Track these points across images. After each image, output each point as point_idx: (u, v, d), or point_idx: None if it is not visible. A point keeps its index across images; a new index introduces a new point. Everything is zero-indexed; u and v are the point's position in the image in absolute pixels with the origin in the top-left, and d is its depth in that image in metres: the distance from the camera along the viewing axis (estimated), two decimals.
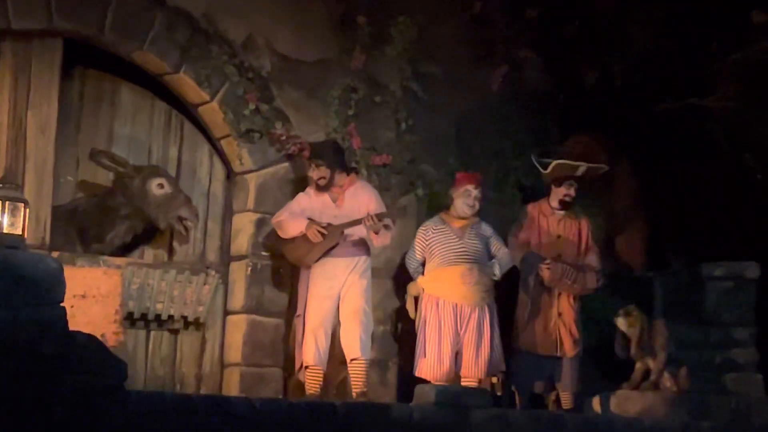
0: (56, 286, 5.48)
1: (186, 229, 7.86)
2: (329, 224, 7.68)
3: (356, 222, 7.68)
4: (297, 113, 8.28)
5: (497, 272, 8.08)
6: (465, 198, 8.07)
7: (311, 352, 7.59)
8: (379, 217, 7.66)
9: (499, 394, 8.71)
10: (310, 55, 8.38)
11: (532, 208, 8.62)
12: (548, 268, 8.29)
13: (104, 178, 7.97)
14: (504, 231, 8.58)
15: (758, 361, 9.26)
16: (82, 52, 7.86)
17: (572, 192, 8.52)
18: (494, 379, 8.68)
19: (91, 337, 5.58)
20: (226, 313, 8.15)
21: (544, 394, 8.58)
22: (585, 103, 9.75)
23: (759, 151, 10.21)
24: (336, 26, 8.48)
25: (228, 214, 8.29)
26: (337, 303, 7.69)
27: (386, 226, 7.72)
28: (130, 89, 8.16)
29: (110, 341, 6.99)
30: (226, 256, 8.23)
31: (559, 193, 8.53)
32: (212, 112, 8.03)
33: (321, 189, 7.81)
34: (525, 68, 9.38)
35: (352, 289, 7.68)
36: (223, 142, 8.17)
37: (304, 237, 7.67)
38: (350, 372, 7.66)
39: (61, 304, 5.52)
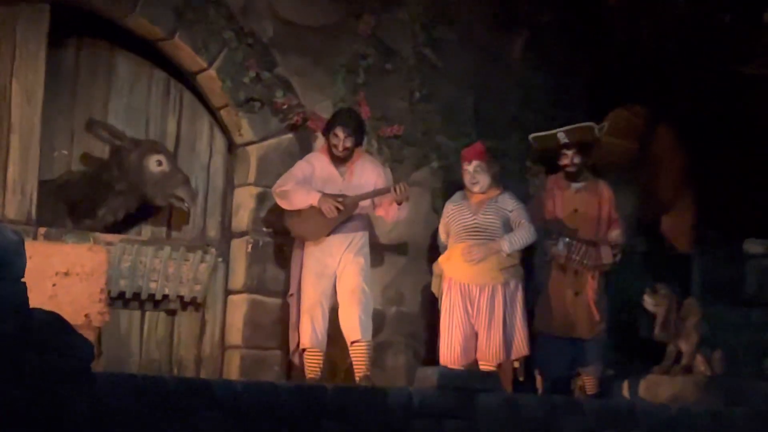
0: (15, 259, 5.14)
1: (185, 208, 7.53)
2: (344, 196, 7.28)
3: (379, 192, 7.30)
4: (302, 81, 7.90)
5: (506, 248, 7.49)
6: (464, 175, 7.66)
7: (308, 333, 7.22)
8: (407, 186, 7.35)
9: (521, 379, 8.32)
10: (316, 20, 7.98)
11: (549, 182, 8.17)
12: (554, 245, 7.84)
13: (101, 151, 7.65)
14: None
15: None
16: (75, 20, 7.55)
17: (569, 161, 7.99)
18: (516, 364, 8.31)
19: (53, 315, 5.27)
20: (228, 292, 7.80)
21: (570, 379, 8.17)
22: (616, 72, 9.27)
23: None
24: None
25: (230, 188, 7.94)
26: (333, 281, 7.32)
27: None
28: (128, 58, 7.83)
29: (95, 322, 6.67)
30: (228, 233, 7.88)
31: (561, 165, 8.06)
32: (210, 81, 7.68)
33: (335, 160, 7.40)
34: (549, 34, 8.87)
35: (349, 268, 7.29)
36: (222, 113, 7.81)
37: (312, 209, 7.25)
38: (352, 356, 7.28)
39: (22, 280, 5.18)
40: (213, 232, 7.87)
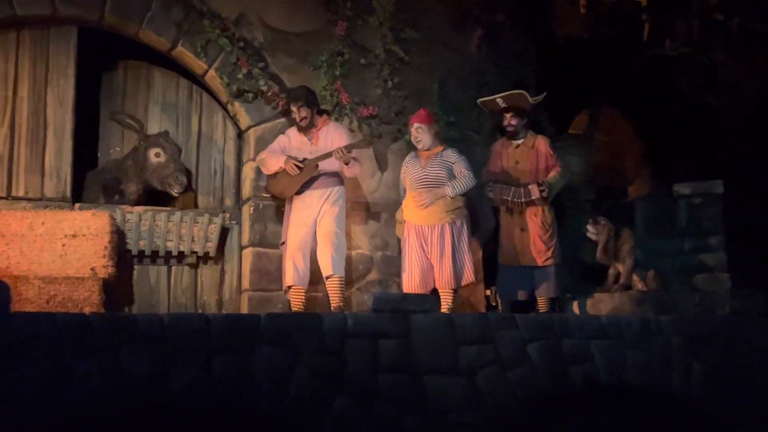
0: None
1: (173, 193, 5.64)
2: (305, 159, 5.41)
3: (328, 155, 5.34)
4: (291, 77, 5.97)
5: (449, 192, 5.46)
6: (411, 136, 5.61)
7: (291, 273, 5.30)
8: (348, 149, 5.34)
9: (494, 304, 6.22)
10: (299, 27, 6.03)
11: (497, 144, 6.06)
12: (490, 190, 5.73)
13: None
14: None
15: (727, 262, 6.49)
16: (119, 45, 5.82)
17: (507, 122, 5.93)
18: (488, 291, 6.21)
19: None
20: (241, 248, 5.88)
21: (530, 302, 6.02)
22: (558, 58, 7.10)
23: (719, 89, 7.41)
24: (321, 1, 6.06)
25: (241, 166, 6.06)
26: (313, 229, 5.38)
27: (354, 159, 5.36)
28: (161, 73, 6.07)
29: (100, 273, 4.91)
30: (241, 201, 5.98)
31: (503, 126, 5.94)
32: (214, 80, 5.83)
33: (302, 129, 5.51)
34: (501, 30, 6.70)
35: (326, 216, 5.37)
36: (229, 106, 5.94)
37: (284, 171, 5.41)
38: (327, 288, 5.31)
39: None
40: (229, 201, 6.03)
